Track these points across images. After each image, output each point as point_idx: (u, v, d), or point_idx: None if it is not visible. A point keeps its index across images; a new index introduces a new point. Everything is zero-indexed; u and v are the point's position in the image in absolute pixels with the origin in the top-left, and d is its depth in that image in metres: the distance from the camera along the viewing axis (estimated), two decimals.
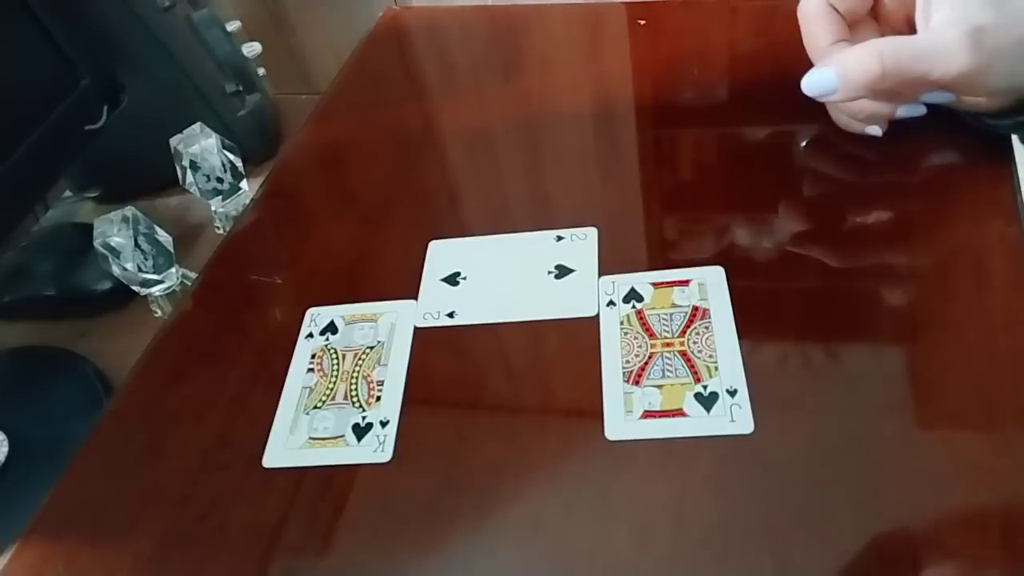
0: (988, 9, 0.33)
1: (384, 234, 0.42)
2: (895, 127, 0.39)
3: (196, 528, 0.32)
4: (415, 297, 0.38)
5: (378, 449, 0.32)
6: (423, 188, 0.45)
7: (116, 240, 0.52)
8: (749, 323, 0.34)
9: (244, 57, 0.72)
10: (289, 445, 0.33)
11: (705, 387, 0.32)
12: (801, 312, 0.34)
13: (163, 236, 0.55)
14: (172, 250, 0.55)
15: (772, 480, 0.29)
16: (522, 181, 0.45)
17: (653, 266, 0.37)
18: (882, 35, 0.39)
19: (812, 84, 0.37)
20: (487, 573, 0.29)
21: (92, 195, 0.72)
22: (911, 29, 0.37)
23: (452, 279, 0.39)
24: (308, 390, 0.35)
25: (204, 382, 0.37)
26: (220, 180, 0.58)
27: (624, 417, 0.31)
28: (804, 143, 0.41)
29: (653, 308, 0.35)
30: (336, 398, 0.35)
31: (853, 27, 0.39)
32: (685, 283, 0.36)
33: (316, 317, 0.38)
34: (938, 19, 0.34)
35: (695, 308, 0.35)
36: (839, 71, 0.35)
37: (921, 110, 0.38)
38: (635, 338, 0.34)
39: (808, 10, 0.38)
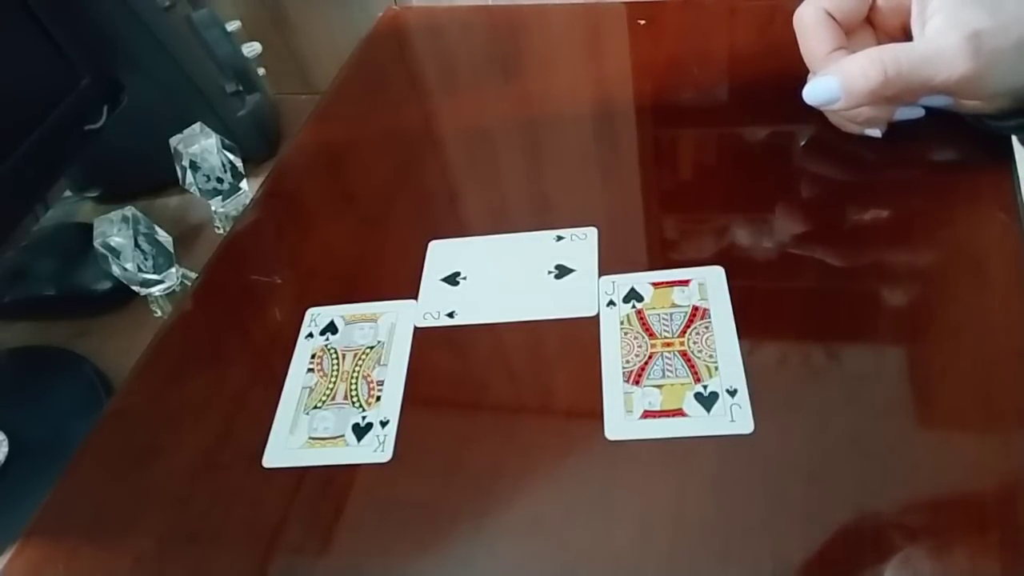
0: (984, 13, 0.33)
1: (384, 234, 0.42)
2: (894, 127, 0.39)
3: (196, 528, 0.32)
4: (415, 297, 0.38)
5: (378, 449, 0.33)
6: (423, 188, 0.45)
7: (116, 240, 0.52)
8: (749, 323, 0.34)
9: (244, 57, 0.72)
10: (289, 445, 0.33)
11: (705, 387, 0.32)
12: (801, 312, 0.34)
13: (163, 236, 0.55)
14: (172, 250, 0.55)
15: (772, 480, 0.29)
16: (522, 181, 0.45)
17: (653, 266, 0.37)
18: (878, 42, 0.39)
19: (814, 94, 0.36)
20: (487, 573, 0.29)
21: (92, 195, 0.72)
22: (906, 35, 0.37)
23: (452, 279, 0.39)
24: (308, 390, 0.35)
25: (204, 382, 0.37)
26: (220, 180, 0.58)
27: (624, 417, 0.31)
28: (804, 143, 0.41)
29: (653, 308, 0.35)
30: (336, 398, 0.35)
31: (849, 34, 0.38)
32: (685, 283, 0.36)
33: (316, 317, 0.38)
34: (934, 25, 0.34)
35: (695, 308, 0.35)
36: (841, 80, 0.35)
37: (920, 112, 0.38)
38: (635, 338, 0.34)
39: (805, 18, 0.38)
